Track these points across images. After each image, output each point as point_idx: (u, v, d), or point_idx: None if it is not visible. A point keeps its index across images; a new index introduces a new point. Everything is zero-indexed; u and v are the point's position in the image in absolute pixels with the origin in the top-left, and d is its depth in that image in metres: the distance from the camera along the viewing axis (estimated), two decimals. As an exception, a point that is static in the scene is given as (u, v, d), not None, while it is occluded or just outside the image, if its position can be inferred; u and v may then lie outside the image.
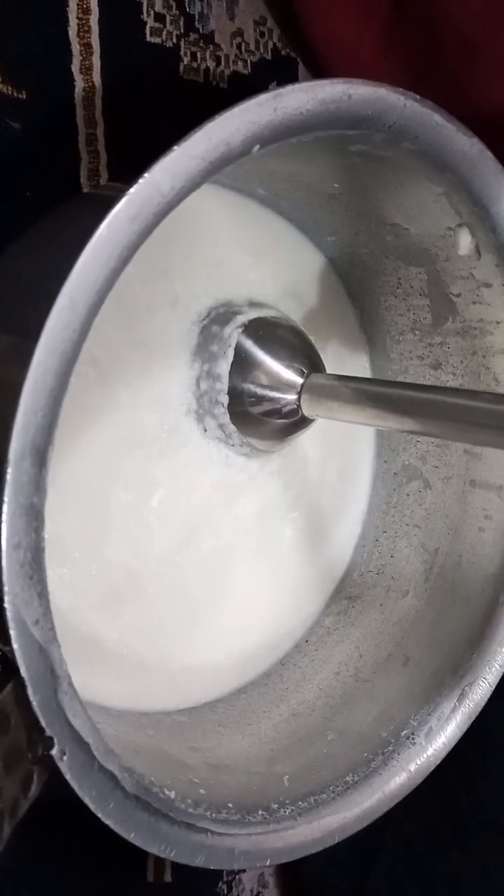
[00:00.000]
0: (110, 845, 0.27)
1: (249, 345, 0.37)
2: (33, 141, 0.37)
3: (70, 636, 0.25)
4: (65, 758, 0.25)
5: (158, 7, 0.40)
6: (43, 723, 0.24)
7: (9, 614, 0.23)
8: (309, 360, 0.38)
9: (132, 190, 0.24)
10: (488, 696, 0.38)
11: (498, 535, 0.39)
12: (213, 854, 0.30)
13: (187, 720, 0.38)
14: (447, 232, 0.36)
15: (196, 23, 0.42)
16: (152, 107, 0.41)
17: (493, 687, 0.38)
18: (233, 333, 0.37)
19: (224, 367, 0.37)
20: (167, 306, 0.36)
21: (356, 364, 0.45)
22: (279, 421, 0.37)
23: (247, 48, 0.44)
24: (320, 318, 0.42)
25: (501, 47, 0.40)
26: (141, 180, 0.24)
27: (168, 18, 0.41)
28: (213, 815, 0.30)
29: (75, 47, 0.38)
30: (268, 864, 0.32)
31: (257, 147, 0.27)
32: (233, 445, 0.38)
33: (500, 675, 0.38)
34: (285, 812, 0.32)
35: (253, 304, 0.39)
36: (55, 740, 0.25)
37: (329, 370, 0.39)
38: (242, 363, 0.37)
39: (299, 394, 0.37)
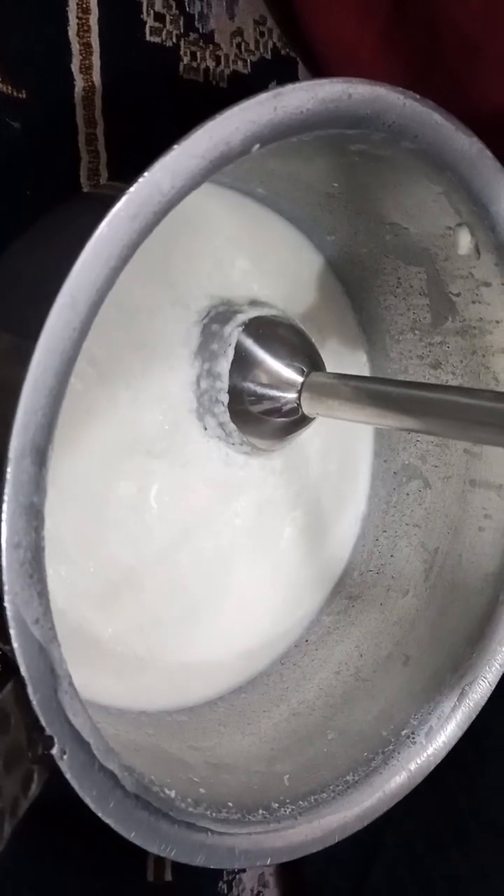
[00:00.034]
0: (110, 844, 0.27)
1: (250, 343, 0.37)
2: (33, 140, 0.37)
3: (69, 635, 0.25)
4: (65, 757, 0.25)
5: (158, 6, 0.40)
6: (43, 722, 0.24)
7: (9, 613, 0.23)
8: (309, 359, 0.38)
9: (132, 189, 0.24)
10: (488, 695, 0.38)
11: (498, 534, 0.39)
12: (214, 853, 0.30)
13: (187, 719, 0.38)
14: (446, 231, 0.36)
15: (196, 22, 0.42)
16: (152, 106, 0.41)
17: (493, 686, 0.38)
18: (233, 332, 0.37)
19: (224, 365, 0.37)
20: (167, 305, 0.36)
21: (355, 363, 0.45)
22: (279, 419, 0.37)
23: (246, 48, 0.44)
24: (320, 317, 0.42)
25: (501, 47, 0.40)
26: (141, 179, 0.24)
27: (168, 18, 0.41)
28: (214, 814, 0.30)
29: (75, 47, 0.38)
30: (268, 863, 0.32)
31: (257, 146, 0.27)
32: (233, 444, 0.38)
33: (500, 674, 0.38)
34: (285, 811, 0.32)
35: (253, 303, 0.39)
36: (55, 739, 0.24)
37: (328, 370, 0.39)
38: (243, 362, 0.37)
39: (299, 392, 0.37)
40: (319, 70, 0.46)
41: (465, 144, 0.32)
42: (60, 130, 0.38)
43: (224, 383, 0.37)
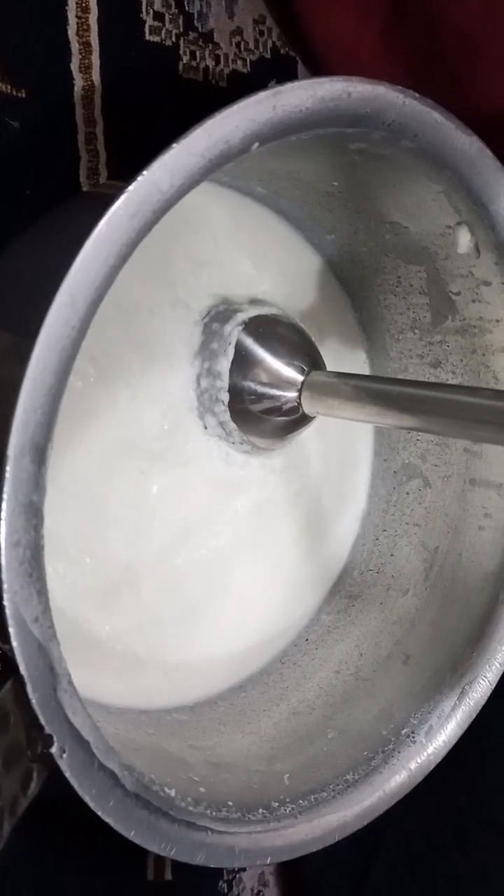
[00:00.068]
0: (110, 843, 0.27)
1: (250, 342, 0.37)
2: (33, 140, 0.37)
3: (68, 634, 0.25)
4: (64, 756, 0.25)
5: (157, 6, 0.40)
6: (42, 721, 0.24)
7: (8, 612, 0.23)
8: (309, 358, 0.38)
9: (131, 187, 0.24)
10: (488, 694, 0.38)
11: (498, 533, 0.39)
12: (214, 852, 0.30)
13: (187, 718, 0.38)
14: (446, 230, 0.36)
15: (195, 21, 0.42)
16: (151, 105, 0.41)
17: (493, 685, 0.38)
18: (233, 331, 0.37)
19: (224, 364, 0.37)
20: (167, 305, 0.36)
21: (355, 363, 0.45)
22: (279, 418, 0.37)
23: (246, 47, 0.44)
24: (319, 316, 0.42)
25: (501, 47, 0.40)
26: (140, 178, 0.24)
27: (167, 17, 0.41)
28: (214, 813, 0.30)
29: (74, 46, 0.38)
30: (268, 862, 0.32)
31: (256, 145, 0.27)
32: (233, 443, 0.38)
33: (500, 673, 0.38)
34: (285, 810, 0.32)
35: (253, 302, 0.39)
36: (55, 738, 0.25)
37: (328, 369, 0.39)
38: (243, 361, 0.37)
39: (300, 391, 0.37)
40: (319, 70, 0.46)
41: (465, 143, 0.32)
42: (60, 130, 0.38)
43: (224, 382, 0.37)
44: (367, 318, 0.44)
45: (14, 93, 0.36)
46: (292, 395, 0.37)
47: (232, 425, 0.37)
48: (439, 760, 0.37)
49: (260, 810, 0.32)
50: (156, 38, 0.40)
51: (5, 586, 0.23)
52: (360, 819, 0.34)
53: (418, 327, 0.41)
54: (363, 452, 0.46)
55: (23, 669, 0.23)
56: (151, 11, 0.40)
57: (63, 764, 0.25)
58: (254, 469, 0.40)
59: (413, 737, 0.36)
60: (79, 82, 0.38)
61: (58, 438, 0.23)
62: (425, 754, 0.36)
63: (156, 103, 0.41)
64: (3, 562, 0.23)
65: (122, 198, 0.24)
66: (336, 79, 0.28)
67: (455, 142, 0.32)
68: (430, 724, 0.37)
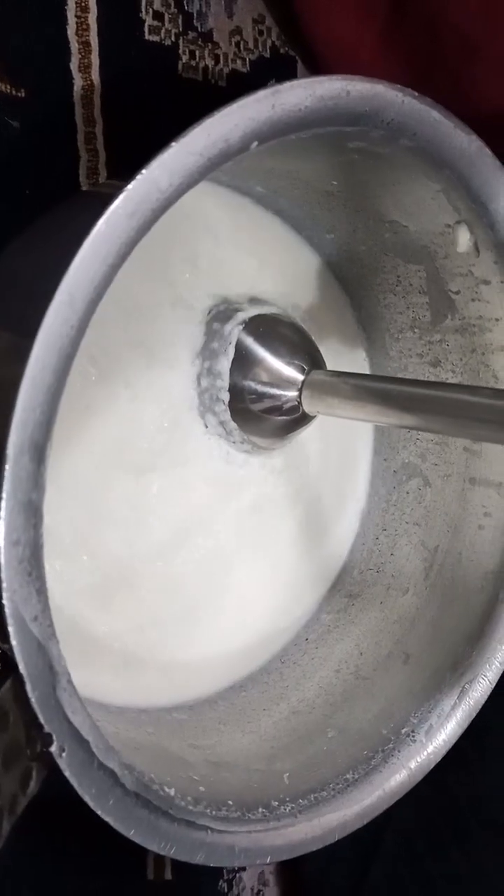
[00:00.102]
0: (110, 843, 0.27)
1: (250, 342, 0.37)
2: (32, 139, 0.37)
3: (67, 632, 0.25)
4: (64, 755, 0.25)
5: (157, 5, 0.40)
6: (42, 719, 0.24)
7: (7, 611, 0.23)
8: (309, 357, 0.38)
9: (130, 186, 0.24)
10: (488, 693, 0.38)
11: (497, 532, 0.39)
12: (213, 851, 0.30)
13: (187, 718, 0.38)
14: (446, 229, 0.36)
15: (195, 21, 0.42)
16: (151, 105, 0.41)
17: (493, 684, 0.38)
18: (233, 331, 0.37)
19: (225, 364, 0.37)
20: (167, 305, 0.36)
21: (355, 362, 0.45)
22: (280, 418, 0.37)
23: (245, 46, 0.44)
24: (319, 316, 0.42)
25: (501, 47, 0.40)
26: (139, 176, 0.24)
27: (167, 16, 0.41)
28: (213, 812, 0.30)
29: (74, 45, 0.38)
30: (268, 861, 0.32)
31: (256, 144, 0.27)
32: (234, 442, 0.38)
33: (500, 672, 0.38)
34: (285, 809, 0.32)
35: (253, 302, 0.39)
36: (54, 737, 0.25)
37: (328, 368, 0.39)
38: (243, 360, 0.37)
39: (300, 390, 0.37)
40: (319, 69, 0.46)
41: (464, 142, 0.32)
42: (59, 129, 0.38)
43: (225, 382, 0.37)
44: (366, 318, 0.44)
45: (14, 92, 0.36)
46: (292, 394, 0.37)
47: (232, 424, 0.37)
48: (439, 759, 0.37)
49: (260, 809, 0.32)
50: (155, 38, 0.40)
51: (4, 585, 0.23)
52: (360, 818, 0.34)
53: (418, 326, 0.41)
54: (363, 451, 0.46)
55: (22, 668, 0.23)
56: (151, 11, 0.40)
57: (62, 763, 0.25)
58: (254, 468, 0.40)
59: (413, 736, 0.36)
60: (78, 82, 0.38)
61: (57, 436, 0.23)
62: (425, 753, 0.36)
63: (155, 103, 0.41)
64: (3, 560, 0.23)
65: (121, 197, 0.24)
66: (335, 78, 0.28)
67: (454, 140, 0.32)
68: (430, 723, 0.37)
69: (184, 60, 0.42)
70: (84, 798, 0.26)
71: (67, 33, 0.38)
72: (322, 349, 0.39)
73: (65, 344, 0.23)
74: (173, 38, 0.41)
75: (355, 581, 0.44)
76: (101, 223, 0.24)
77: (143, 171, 0.24)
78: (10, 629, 0.23)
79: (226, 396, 0.37)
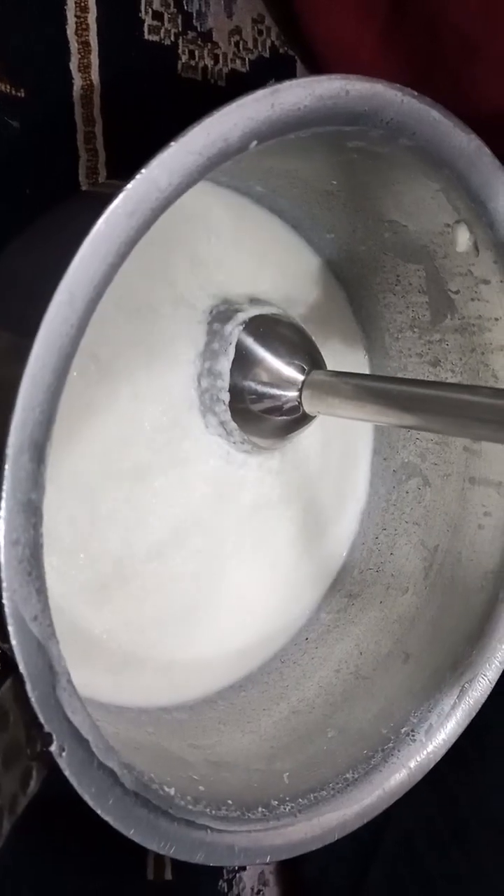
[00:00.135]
0: (110, 842, 0.27)
1: (250, 342, 0.37)
2: (32, 139, 0.37)
3: (66, 632, 0.25)
4: (64, 754, 0.25)
5: (156, 5, 0.40)
6: (42, 719, 0.24)
7: (7, 610, 0.23)
8: (310, 357, 0.38)
9: (129, 185, 0.24)
10: (488, 692, 0.38)
11: (497, 531, 0.39)
12: (213, 851, 0.30)
13: (187, 717, 0.38)
14: (445, 228, 0.36)
15: (194, 21, 0.42)
16: (150, 105, 0.41)
17: (493, 684, 0.38)
18: (234, 331, 0.37)
19: (225, 364, 0.37)
20: (168, 305, 0.36)
21: (355, 362, 0.45)
22: (280, 418, 0.37)
23: (245, 46, 0.44)
24: (319, 316, 0.42)
25: (501, 47, 0.40)
26: (138, 176, 0.24)
27: (166, 16, 0.41)
28: (213, 811, 0.30)
29: (73, 45, 0.38)
30: (268, 860, 0.32)
31: (255, 143, 0.27)
32: (234, 442, 0.38)
33: (500, 671, 0.38)
34: (285, 809, 0.32)
35: (253, 302, 0.39)
36: (54, 737, 0.25)
37: (328, 368, 0.39)
38: (243, 360, 0.37)
39: (300, 391, 0.37)
40: (318, 69, 0.46)
41: (464, 141, 0.32)
42: (59, 129, 0.38)
43: (225, 382, 0.37)
44: (366, 317, 0.44)
45: (14, 92, 0.36)
46: (293, 394, 0.37)
47: (233, 425, 0.37)
48: (439, 759, 0.37)
49: (259, 809, 0.32)
50: (155, 38, 0.41)
51: (4, 584, 0.23)
52: (360, 818, 0.34)
53: (417, 326, 0.41)
54: (363, 451, 0.46)
55: (22, 668, 0.23)
56: (150, 11, 0.40)
57: (62, 762, 0.25)
58: (253, 468, 0.40)
59: (413, 735, 0.36)
60: (78, 82, 0.38)
61: (57, 436, 0.23)
62: (425, 753, 0.36)
63: (155, 102, 0.41)
64: (3, 560, 0.23)
65: (121, 196, 0.24)
66: (334, 77, 0.28)
67: (453, 140, 0.32)
68: (430, 722, 0.37)
69: (183, 60, 0.42)
70: (84, 797, 0.26)
71: (67, 33, 0.38)
72: (322, 349, 0.39)
73: (65, 343, 0.23)
74: (173, 38, 0.41)
75: (355, 581, 0.44)
76: (101, 223, 0.24)
77: (143, 171, 0.24)
78: (10, 629, 0.23)
79: (226, 397, 0.37)
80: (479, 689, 0.37)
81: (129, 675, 0.37)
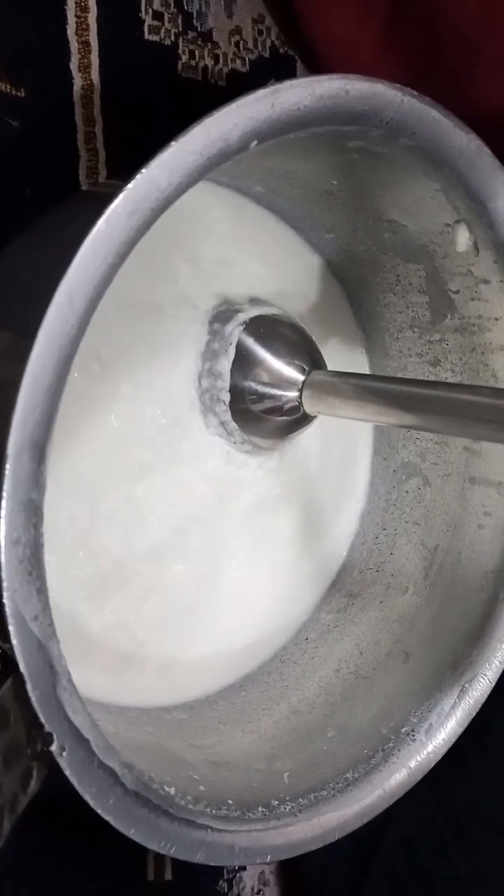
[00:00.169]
0: (110, 842, 0.27)
1: (250, 342, 0.37)
2: (32, 139, 0.37)
3: (66, 632, 0.25)
4: (64, 754, 0.25)
5: (156, 5, 0.40)
6: (42, 719, 0.24)
7: (8, 610, 0.23)
8: (310, 357, 0.38)
9: (130, 185, 0.24)
10: (488, 692, 0.38)
11: (497, 531, 0.39)
12: (214, 850, 0.30)
13: (187, 717, 0.38)
14: (445, 228, 0.36)
15: (194, 21, 0.42)
16: (151, 104, 0.41)
17: (493, 683, 0.38)
18: (234, 331, 0.37)
19: (225, 364, 0.37)
20: (168, 305, 0.37)
21: (355, 362, 0.45)
22: (280, 418, 0.37)
23: (245, 46, 0.44)
24: (319, 316, 0.42)
25: (501, 47, 0.40)
26: (139, 176, 0.24)
27: (166, 16, 0.41)
28: (214, 811, 0.30)
29: (73, 45, 0.38)
30: (268, 860, 0.32)
31: (255, 143, 0.27)
32: (234, 443, 0.38)
33: (500, 671, 0.38)
34: (285, 809, 0.32)
35: (253, 302, 0.39)
36: (54, 736, 0.25)
37: (328, 368, 0.39)
38: (244, 361, 0.37)
39: (300, 391, 0.37)
40: (318, 69, 0.46)
41: (463, 141, 0.32)
42: (59, 129, 0.38)
43: (225, 382, 0.37)
44: (366, 317, 0.44)
45: (14, 92, 0.36)
46: (293, 394, 0.37)
47: (233, 425, 0.37)
48: (439, 759, 0.37)
49: (260, 809, 0.32)
50: (155, 38, 0.41)
51: (5, 584, 0.23)
52: (360, 817, 0.34)
53: (417, 326, 0.41)
54: (363, 451, 0.46)
55: (22, 667, 0.23)
56: (150, 11, 0.40)
57: (63, 762, 0.25)
58: (253, 468, 0.40)
59: (413, 735, 0.36)
60: (78, 81, 0.38)
61: (58, 435, 0.23)
62: (425, 752, 0.36)
63: (155, 102, 0.41)
64: (3, 560, 0.23)
65: (121, 196, 0.24)
66: (334, 77, 0.28)
67: (453, 139, 0.32)
68: (430, 722, 0.37)
69: (183, 60, 0.42)
70: (84, 797, 0.26)
71: (67, 33, 0.38)
72: (322, 349, 0.39)
73: (65, 343, 0.23)
74: (173, 38, 0.41)
75: (355, 580, 0.44)
76: (101, 222, 0.24)
77: (143, 171, 0.24)
78: (11, 628, 0.23)
79: (226, 397, 0.37)
80: (479, 689, 0.37)
81: (128, 675, 0.37)
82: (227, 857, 0.30)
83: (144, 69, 0.40)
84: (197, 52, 0.42)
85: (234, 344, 0.37)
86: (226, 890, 0.49)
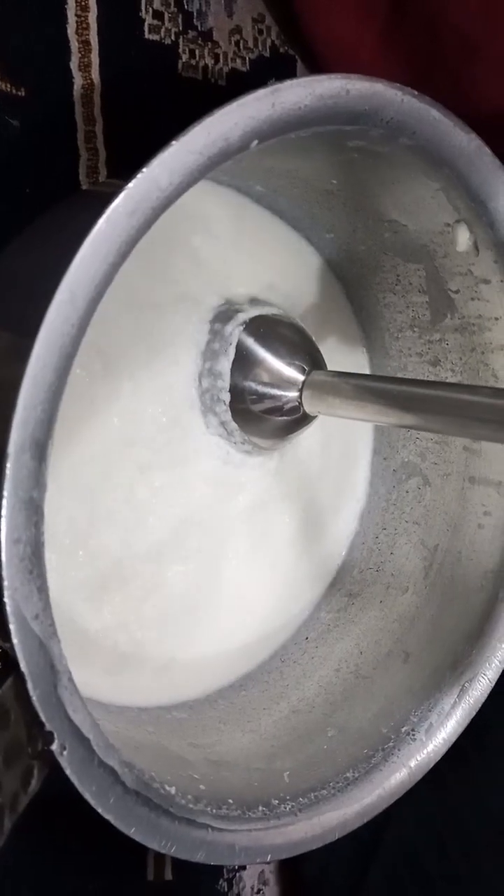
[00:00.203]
0: (111, 842, 0.27)
1: (251, 342, 0.37)
2: (32, 139, 0.37)
3: (66, 631, 0.25)
4: (65, 753, 0.25)
5: (157, 4, 0.40)
6: (43, 718, 0.24)
7: (8, 609, 0.23)
8: (310, 357, 0.38)
9: (130, 185, 0.24)
10: (488, 692, 0.38)
11: (497, 531, 0.39)
12: (214, 850, 0.30)
13: (187, 716, 0.38)
14: (445, 228, 0.36)
15: (194, 20, 0.42)
16: (151, 104, 0.41)
17: (493, 683, 0.38)
18: (234, 331, 0.37)
19: (225, 364, 0.37)
20: (168, 304, 0.37)
21: (355, 362, 0.45)
22: (280, 418, 0.37)
23: (245, 45, 0.44)
24: (319, 315, 0.43)
25: (501, 47, 0.40)
26: (139, 175, 0.24)
27: (166, 16, 0.41)
28: (214, 810, 0.30)
29: (74, 45, 0.38)
30: (268, 859, 0.32)
31: (255, 142, 0.27)
32: (234, 443, 0.38)
33: (500, 671, 0.38)
34: (285, 808, 0.32)
35: (253, 302, 0.39)
36: (55, 735, 0.25)
37: (328, 368, 0.39)
38: (244, 361, 0.37)
39: (301, 391, 0.37)
40: (318, 69, 0.46)
41: (464, 140, 0.32)
42: (59, 128, 0.38)
43: (225, 382, 0.37)
44: (366, 317, 0.44)
45: (14, 92, 0.36)
46: (293, 394, 0.37)
47: (233, 425, 0.37)
48: (439, 758, 0.37)
49: (260, 808, 0.32)
50: (155, 37, 0.41)
51: (6, 583, 0.23)
52: (360, 817, 0.34)
53: (417, 325, 0.41)
54: (363, 451, 0.46)
55: (23, 666, 0.23)
56: (151, 10, 0.40)
57: (63, 761, 0.25)
58: (253, 468, 0.40)
59: (413, 735, 0.36)
60: (78, 81, 0.38)
61: (58, 435, 0.23)
62: (425, 752, 0.36)
63: (155, 102, 0.41)
64: (4, 559, 0.23)
65: (122, 195, 0.24)
66: (334, 76, 0.28)
67: (453, 139, 0.32)
68: (430, 721, 0.37)
69: (184, 59, 0.42)
70: (85, 796, 0.26)
71: (67, 32, 0.38)
72: (322, 349, 0.39)
73: (66, 342, 0.23)
74: (173, 38, 0.41)
75: (355, 580, 0.44)
76: (102, 222, 0.24)
77: (144, 170, 0.24)
78: (12, 627, 0.23)
79: (226, 397, 0.37)
80: (479, 689, 0.37)
81: (128, 675, 0.37)
82: (228, 857, 0.30)
83: (145, 68, 0.40)
84: (197, 52, 0.42)
85: (235, 344, 0.37)
86: (226, 889, 0.49)
